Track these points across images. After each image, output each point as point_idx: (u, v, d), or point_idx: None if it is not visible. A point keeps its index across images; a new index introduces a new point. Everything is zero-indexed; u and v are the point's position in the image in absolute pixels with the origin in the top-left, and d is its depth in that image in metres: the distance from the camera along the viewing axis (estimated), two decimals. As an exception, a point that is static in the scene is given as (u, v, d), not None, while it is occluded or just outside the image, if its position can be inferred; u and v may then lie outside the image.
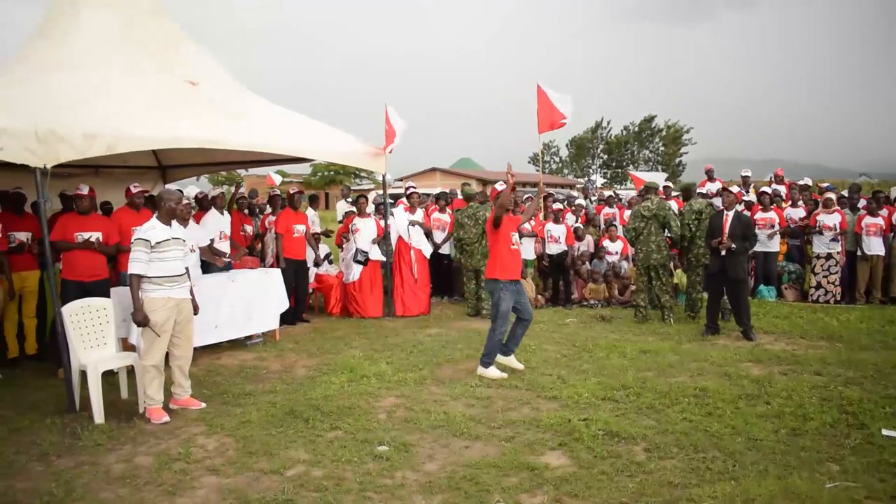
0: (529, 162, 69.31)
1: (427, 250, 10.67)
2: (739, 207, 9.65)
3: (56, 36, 7.89)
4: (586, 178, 68.75)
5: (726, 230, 8.40)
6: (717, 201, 12.07)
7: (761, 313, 9.49)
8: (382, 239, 10.41)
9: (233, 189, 11.44)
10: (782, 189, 12.71)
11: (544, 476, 4.47)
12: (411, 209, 10.71)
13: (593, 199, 15.40)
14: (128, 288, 6.07)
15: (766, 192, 11.48)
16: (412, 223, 10.55)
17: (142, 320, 5.66)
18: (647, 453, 4.81)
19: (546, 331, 9.00)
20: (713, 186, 12.89)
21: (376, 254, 10.35)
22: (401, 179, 32.71)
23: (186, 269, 6.04)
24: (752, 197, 12.08)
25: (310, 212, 11.86)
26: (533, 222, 11.29)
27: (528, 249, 11.20)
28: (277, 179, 19.29)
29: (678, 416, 5.50)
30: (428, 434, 5.29)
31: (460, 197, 11.52)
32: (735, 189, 9.37)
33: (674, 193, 12.55)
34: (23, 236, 7.60)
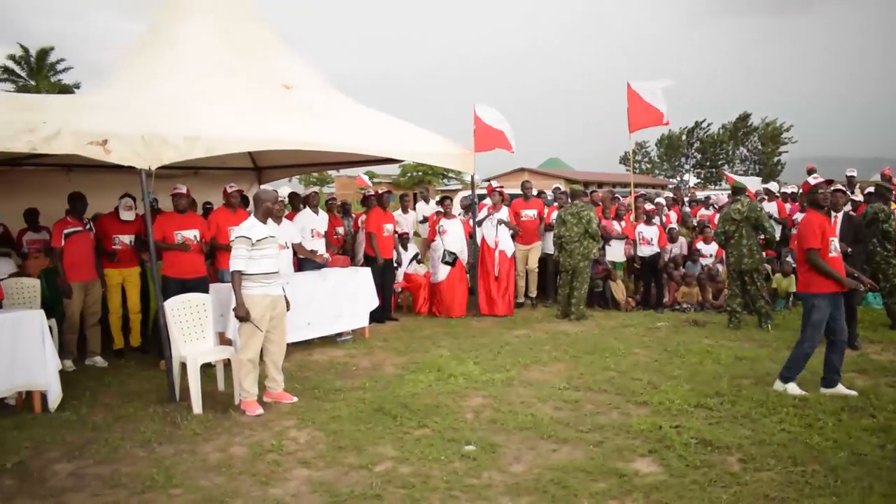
0: (620, 162, 68.09)
1: (510, 250, 10.63)
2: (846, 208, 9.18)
3: (160, 45, 8.26)
4: (678, 179, 66.98)
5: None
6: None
7: (867, 321, 9.02)
8: (469, 239, 10.45)
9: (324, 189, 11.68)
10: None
11: (634, 483, 4.38)
12: (495, 208, 10.69)
13: (685, 199, 15.00)
14: (225, 284, 6.30)
15: (872, 193, 10.91)
16: (499, 221, 10.53)
17: (244, 315, 5.85)
18: (742, 464, 4.64)
19: (636, 334, 8.83)
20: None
21: (464, 254, 10.41)
22: (488, 180, 32.66)
23: (281, 267, 6.20)
24: (858, 197, 11.51)
25: (409, 213, 12.03)
26: (623, 223, 11.09)
27: (617, 251, 11.02)
28: (367, 180, 19.66)
29: (776, 427, 5.28)
30: (515, 435, 5.27)
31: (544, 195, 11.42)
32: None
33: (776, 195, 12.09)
34: (126, 239, 8.01)
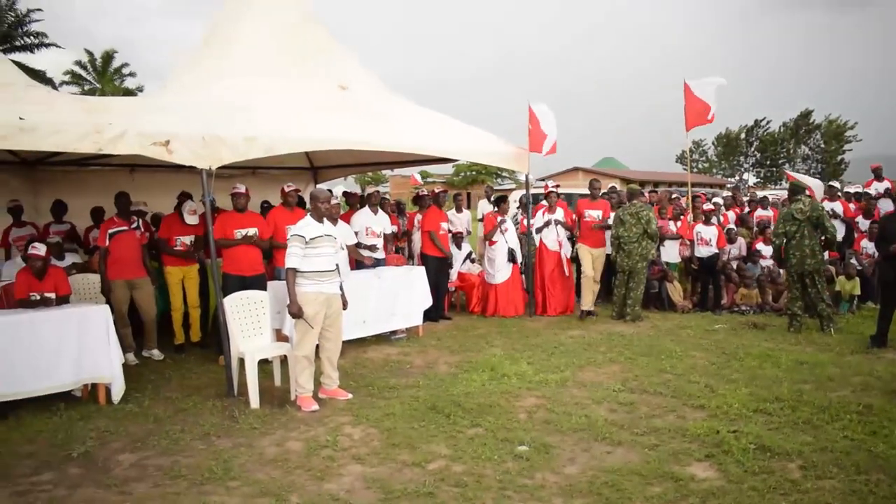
0: (677, 161, 66.99)
1: (567, 250, 10.56)
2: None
3: (218, 47, 8.44)
4: (737, 178, 65.55)
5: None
6: (886, 203, 11.23)
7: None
8: (524, 238, 10.42)
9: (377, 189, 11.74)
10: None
11: (689, 488, 4.31)
12: (550, 209, 10.63)
13: (745, 199, 14.68)
14: (282, 282, 6.40)
15: None
16: (555, 222, 10.48)
17: (296, 312, 5.94)
18: (803, 471, 4.52)
19: (693, 336, 8.68)
20: (880, 186, 11.97)
21: (519, 253, 10.39)
22: (543, 179, 32.48)
23: (337, 265, 6.28)
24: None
25: (463, 212, 12.06)
26: (679, 223, 10.92)
27: (672, 252, 10.85)
28: (419, 180, 19.76)
29: (838, 434, 5.13)
30: (569, 436, 5.24)
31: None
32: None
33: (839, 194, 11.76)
34: (187, 240, 8.21)
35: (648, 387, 6.47)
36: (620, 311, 9.94)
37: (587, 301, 10.11)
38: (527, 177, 10.41)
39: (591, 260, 10.26)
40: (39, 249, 6.60)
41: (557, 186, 11.20)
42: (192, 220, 8.22)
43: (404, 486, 4.40)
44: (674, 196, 12.32)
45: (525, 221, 10.54)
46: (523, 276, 10.61)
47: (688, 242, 10.83)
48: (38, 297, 6.38)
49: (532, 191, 10.95)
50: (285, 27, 8.68)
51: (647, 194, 11.40)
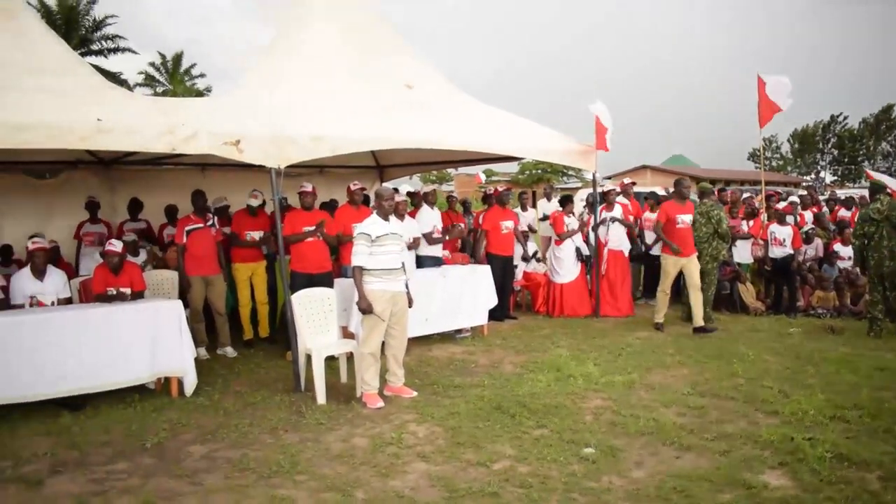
0: (748, 159, 65.24)
1: (625, 248, 10.39)
2: None
3: (287, 48, 8.57)
4: (813, 176, 63.41)
5: None
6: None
7: None
8: (586, 238, 10.30)
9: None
10: None
11: (762, 496, 4.16)
12: (608, 207, 10.47)
13: (822, 197, 14.18)
14: (349, 279, 6.46)
15: None
16: (612, 220, 10.32)
17: (366, 307, 5.98)
18: (883, 482, 4.32)
19: (766, 339, 8.42)
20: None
21: (585, 253, 10.28)
22: (609, 177, 32.04)
23: (403, 263, 6.30)
24: None
25: (529, 210, 12.01)
26: (752, 223, 10.61)
27: (744, 252, 10.55)
28: (483, 178, 19.70)
29: (922, 443, 4.90)
30: (636, 440, 5.13)
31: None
32: None
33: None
34: (257, 235, 8.36)
35: (719, 391, 6.29)
36: (689, 313, 9.72)
37: (661, 313, 9.40)
38: (594, 175, 10.27)
39: (676, 270, 9.32)
40: (116, 246, 6.82)
41: (626, 183, 11.01)
42: (254, 202, 8.43)
43: (469, 485, 4.38)
44: (746, 195, 11.99)
45: (592, 220, 10.40)
46: (588, 275, 10.48)
47: (761, 242, 10.51)
48: (115, 292, 6.59)
49: (599, 189, 10.79)
50: (352, 27, 8.77)
51: (718, 193, 11.09)
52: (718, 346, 8.08)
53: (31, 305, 6.47)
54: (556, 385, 6.53)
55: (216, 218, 8.29)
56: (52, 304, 6.56)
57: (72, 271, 8.34)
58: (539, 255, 11.40)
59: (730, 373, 6.87)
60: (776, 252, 10.29)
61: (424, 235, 9.07)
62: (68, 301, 6.79)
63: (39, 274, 6.60)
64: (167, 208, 9.43)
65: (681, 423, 5.47)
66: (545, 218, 12.19)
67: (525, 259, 10.71)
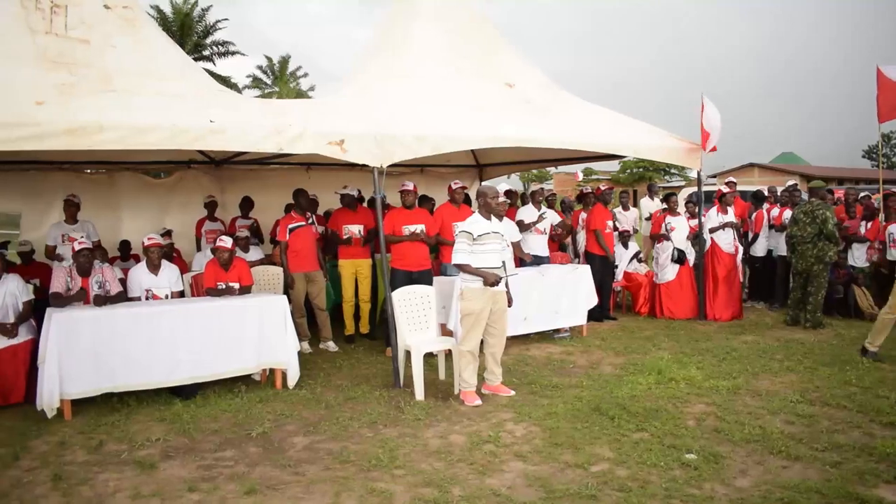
0: (864, 156, 61.78)
1: (735, 250, 10.02)
2: None
3: (390, 49, 8.71)
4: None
5: None
6: None
7: None
8: (695, 238, 9.99)
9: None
10: None
11: (878, 511, 3.95)
12: (722, 209, 10.11)
13: None
14: (448, 277, 6.49)
15: None
16: (731, 224, 9.97)
17: (495, 280, 5.98)
18: None
19: (883, 347, 7.89)
20: None
21: (691, 253, 9.98)
22: (714, 176, 30.97)
23: (503, 262, 6.28)
24: None
25: (630, 210, 11.80)
26: (870, 225, 10.04)
27: (860, 255, 10.00)
28: (581, 177, 19.41)
29: None
30: (741, 447, 4.94)
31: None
32: None
33: None
34: (355, 229, 8.50)
35: (830, 399, 5.98)
36: (795, 316, 9.30)
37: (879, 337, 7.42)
38: (699, 174, 9.96)
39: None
40: (226, 242, 7.09)
41: (734, 183, 10.62)
42: (344, 191, 8.63)
43: (566, 486, 4.33)
44: (863, 195, 11.35)
45: (691, 222, 10.08)
46: (694, 277, 10.16)
47: (877, 245, 9.92)
48: (224, 287, 6.87)
49: (704, 188, 10.46)
50: (454, 28, 8.83)
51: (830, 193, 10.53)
52: (830, 352, 7.69)
53: (146, 298, 6.81)
54: (657, 388, 6.37)
55: (314, 215, 8.51)
56: (166, 297, 6.87)
57: (185, 266, 8.74)
58: (642, 255, 11.15)
59: (842, 380, 6.53)
60: (895, 255, 9.68)
61: (521, 223, 9.05)
62: (181, 294, 7.11)
63: (154, 268, 6.93)
64: (287, 207, 9.72)
65: (789, 431, 5.23)
66: (649, 217, 11.93)
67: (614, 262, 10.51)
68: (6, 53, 6.09)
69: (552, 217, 9.78)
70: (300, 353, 6.85)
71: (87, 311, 6.10)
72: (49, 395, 5.65)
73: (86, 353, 5.82)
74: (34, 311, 6.58)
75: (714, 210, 10.18)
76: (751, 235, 10.89)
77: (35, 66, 6.12)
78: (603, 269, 9.71)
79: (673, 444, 4.96)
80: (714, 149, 9.41)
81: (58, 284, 6.42)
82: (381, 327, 8.26)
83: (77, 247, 6.58)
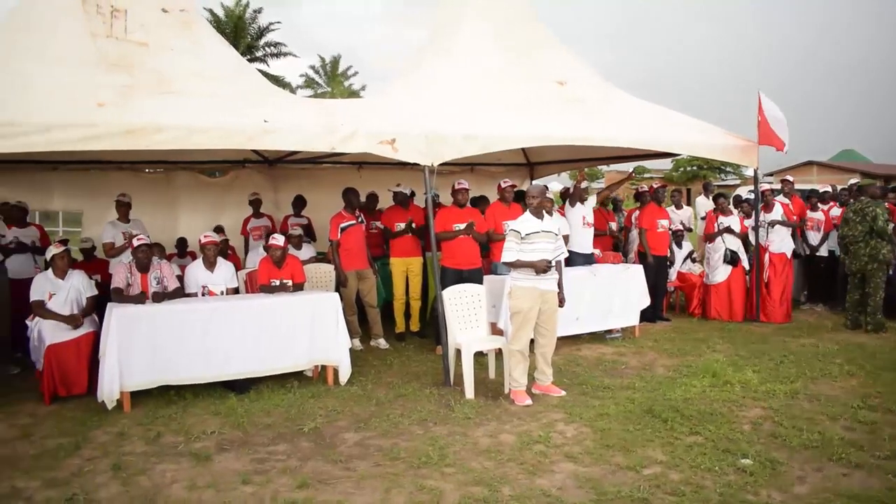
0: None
1: (787, 250, 9.77)
2: None
3: (440, 48, 8.74)
4: None
5: None
6: None
7: None
8: (745, 239, 9.78)
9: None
10: None
11: (945, 521, 3.81)
12: (766, 208, 9.87)
13: None
14: (498, 276, 6.46)
15: None
16: (771, 223, 9.73)
17: (544, 267, 5.95)
18: None
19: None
20: None
21: (743, 254, 9.78)
22: (771, 174, 30.26)
23: (556, 262, 6.22)
24: None
25: (684, 209, 11.61)
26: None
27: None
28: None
29: None
30: (798, 453, 4.82)
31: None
32: None
33: None
34: (402, 225, 8.54)
35: (893, 405, 5.79)
36: (855, 319, 9.02)
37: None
38: (755, 172, 9.75)
39: None
40: (279, 240, 7.19)
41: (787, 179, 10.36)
42: (397, 188, 8.69)
43: (618, 488, 4.28)
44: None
45: (745, 222, 9.87)
46: (748, 278, 9.95)
47: None
48: (278, 284, 6.97)
49: (761, 187, 10.23)
50: (504, 26, 8.81)
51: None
52: (893, 356, 7.45)
53: (202, 294, 6.94)
54: (711, 391, 6.26)
55: (363, 214, 8.57)
56: (221, 293, 7.00)
57: (239, 263, 8.90)
58: (696, 255, 10.96)
59: (907, 386, 6.32)
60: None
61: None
62: (235, 291, 7.24)
63: (210, 265, 7.06)
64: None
65: (849, 438, 5.08)
66: (705, 217, 11.71)
67: (671, 261, 10.31)
68: (70, 57, 6.29)
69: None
70: (351, 350, 6.92)
71: (146, 306, 6.27)
72: (109, 387, 5.81)
73: (144, 347, 5.98)
74: (96, 306, 6.78)
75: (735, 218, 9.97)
76: (812, 235, 10.56)
77: (96, 68, 6.30)
78: (656, 269, 9.57)
79: (728, 449, 4.87)
80: (781, 145, 9.19)
81: (118, 280, 6.60)
82: (432, 325, 8.29)
83: (136, 243, 6.75)
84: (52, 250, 6.75)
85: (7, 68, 5.98)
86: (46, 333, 6.30)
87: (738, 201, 11.67)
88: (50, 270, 6.68)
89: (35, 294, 6.54)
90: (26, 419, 5.79)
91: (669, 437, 5.12)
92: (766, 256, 9.74)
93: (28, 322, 6.67)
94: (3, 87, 5.71)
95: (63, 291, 6.58)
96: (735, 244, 9.83)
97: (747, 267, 9.86)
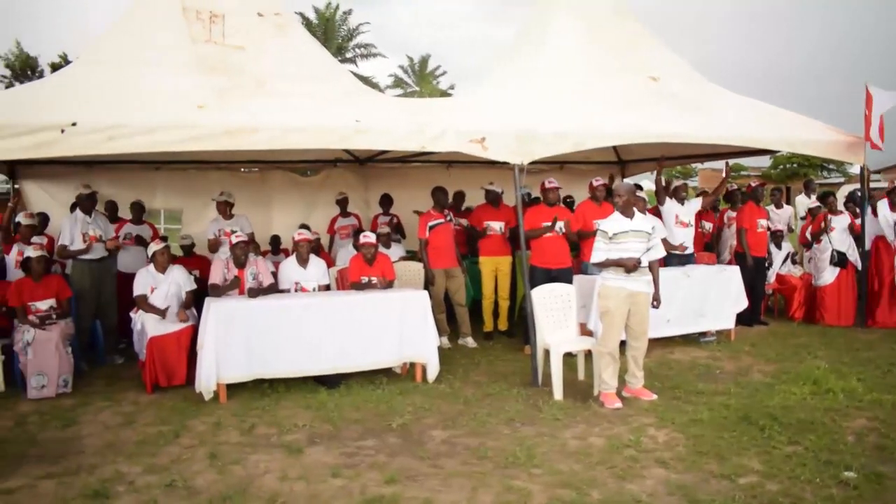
0: None
1: None
2: None
3: (529, 47, 8.67)
4: None
5: None
6: None
7: None
8: (856, 239, 9.31)
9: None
10: None
11: None
12: (894, 208, 9.34)
13: None
14: (588, 276, 6.36)
15: None
16: None
17: (633, 265, 5.83)
18: None
19: None
20: None
21: (853, 255, 9.31)
22: (878, 172, 28.72)
23: (647, 262, 6.06)
24: None
25: (784, 208, 11.18)
26: None
27: None
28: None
29: None
30: (908, 467, 4.56)
31: None
32: None
33: None
34: (496, 226, 8.52)
35: None
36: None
37: None
38: (862, 169, 9.26)
39: None
40: (371, 238, 7.31)
41: None
42: (490, 187, 8.64)
43: (711, 497, 4.14)
44: None
45: (856, 221, 9.38)
46: (857, 281, 9.45)
47: None
48: (368, 281, 7.07)
49: (871, 185, 9.70)
50: (596, 21, 8.67)
51: None
52: None
53: (295, 290, 7.11)
54: (812, 399, 5.99)
55: (451, 213, 8.59)
56: (314, 290, 7.15)
57: (330, 261, 9.07)
58: (796, 256, 10.52)
59: None
60: None
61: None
62: (327, 288, 7.39)
63: (304, 262, 7.23)
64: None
65: (968, 452, 4.77)
66: (805, 216, 11.22)
67: (770, 263, 9.90)
68: (172, 62, 6.56)
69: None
70: (439, 348, 6.94)
71: (242, 301, 6.48)
72: (207, 379, 6.04)
73: (240, 341, 6.17)
74: (195, 300, 7.06)
75: (884, 204, 9.37)
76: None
77: (196, 72, 6.55)
78: (754, 270, 9.23)
79: (829, 460, 4.64)
80: (882, 139, 8.71)
81: (216, 276, 6.85)
82: (520, 325, 8.24)
83: (234, 240, 6.98)
84: (153, 246, 7.10)
85: (116, 73, 6.30)
86: (149, 326, 6.60)
87: (851, 199, 11.00)
88: (152, 265, 7.01)
89: (138, 289, 6.89)
90: (130, 407, 6.08)
91: (766, 446, 4.92)
92: (879, 257, 9.23)
93: (132, 314, 7.01)
94: (112, 91, 6.01)
95: (164, 285, 6.89)
96: (844, 244, 9.37)
97: (859, 267, 9.37)
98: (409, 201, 10.02)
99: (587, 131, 7.06)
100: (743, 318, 8.80)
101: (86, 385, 6.74)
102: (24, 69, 31.91)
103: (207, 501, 4.18)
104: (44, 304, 6.72)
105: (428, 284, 8.14)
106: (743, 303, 8.51)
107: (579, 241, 7.99)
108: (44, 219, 8.56)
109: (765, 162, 44.76)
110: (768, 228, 9.73)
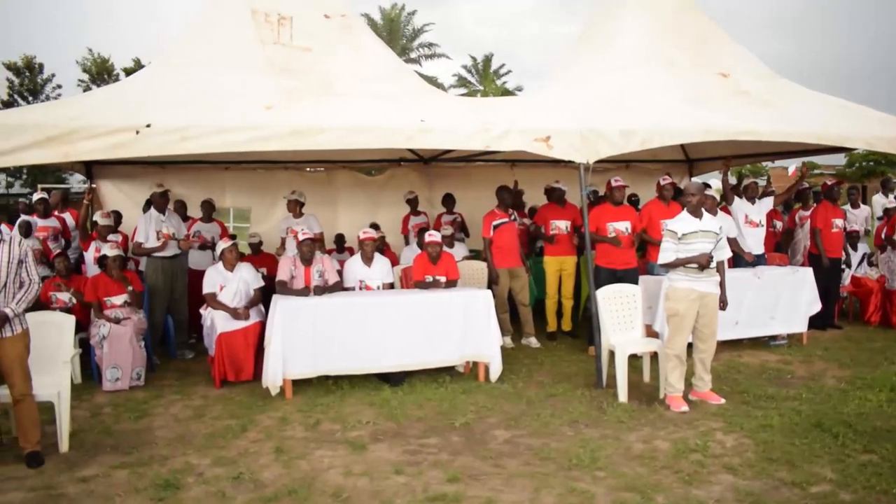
0: None
1: None
2: None
3: (595, 44, 8.58)
4: None
5: None
6: None
7: None
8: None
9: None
10: None
11: None
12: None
13: None
14: (654, 277, 6.25)
15: None
16: None
17: (706, 261, 5.74)
18: None
19: None
20: None
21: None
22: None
23: (719, 262, 5.95)
24: None
25: (861, 208, 10.80)
26: None
27: None
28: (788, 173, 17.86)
29: None
30: None
31: None
32: None
33: None
34: (562, 225, 8.45)
35: None
36: None
37: None
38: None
39: None
40: (436, 237, 7.34)
41: None
42: (556, 185, 8.62)
43: (782, 505, 4.04)
44: None
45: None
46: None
47: None
48: (432, 280, 7.11)
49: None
50: (663, 18, 8.50)
51: None
52: None
53: (360, 289, 7.20)
54: (889, 406, 5.77)
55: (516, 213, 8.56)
56: (378, 288, 7.22)
57: (395, 259, 9.15)
58: (873, 258, 10.14)
59: None
60: None
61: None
62: (391, 286, 7.45)
63: (368, 261, 7.30)
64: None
65: None
66: (881, 217, 10.82)
67: (846, 264, 9.56)
68: (241, 64, 6.72)
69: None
70: (503, 348, 6.93)
71: (308, 298, 6.59)
72: (273, 375, 6.17)
73: (306, 338, 6.28)
74: (262, 297, 7.21)
75: None
76: None
77: (265, 73, 6.70)
78: (829, 272, 8.92)
79: (907, 470, 4.47)
80: None
81: (283, 273, 6.98)
82: (584, 325, 8.16)
83: (301, 237, 7.11)
84: (222, 245, 7.27)
85: (187, 76, 6.48)
86: (218, 322, 6.78)
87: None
88: (220, 264, 7.18)
89: (207, 286, 7.07)
90: (199, 401, 6.26)
91: (840, 454, 4.76)
92: None
93: (202, 311, 7.20)
94: (184, 93, 6.19)
95: (232, 283, 7.05)
96: None
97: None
98: (472, 200, 10.04)
99: (654, 129, 6.93)
100: (816, 322, 8.53)
101: (158, 378, 6.98)
102: (101, 73, 33.06)
103: (273, 495, 4.27)
104: (118, 300, 6.99)
105: (491, 284, 8.13)
106: (816, 306, 8.24)
107: (644, 242, 7.87)
108: (117, 216, 8.87)
109: (838, 160, 43.21)
110: (844, 229, 9.41)
